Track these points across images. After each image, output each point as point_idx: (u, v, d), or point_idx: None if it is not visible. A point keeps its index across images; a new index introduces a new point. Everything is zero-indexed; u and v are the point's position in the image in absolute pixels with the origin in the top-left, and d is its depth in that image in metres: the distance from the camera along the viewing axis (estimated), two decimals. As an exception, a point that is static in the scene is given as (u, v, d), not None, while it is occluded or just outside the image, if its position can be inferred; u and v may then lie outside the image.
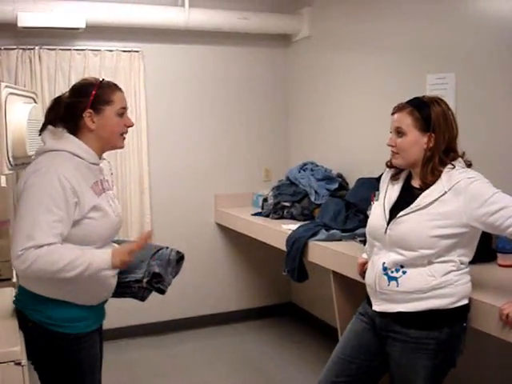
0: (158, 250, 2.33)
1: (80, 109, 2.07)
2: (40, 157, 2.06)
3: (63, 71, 4.16)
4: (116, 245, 2.24)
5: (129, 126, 2.17)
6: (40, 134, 2.14)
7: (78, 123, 2.08)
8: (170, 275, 2.30)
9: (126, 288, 2.23)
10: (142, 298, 2.28)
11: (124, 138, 2.19)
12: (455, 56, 3.18)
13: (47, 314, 2.02)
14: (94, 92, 2.08)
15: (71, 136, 2.08)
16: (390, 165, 2.33)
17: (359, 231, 3.24)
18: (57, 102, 2.13)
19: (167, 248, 2.36)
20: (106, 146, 2.16)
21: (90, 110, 2.07)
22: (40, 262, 1.88)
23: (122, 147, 2.22)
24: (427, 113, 2.15)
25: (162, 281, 2.26)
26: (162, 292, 2.29)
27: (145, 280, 2.22)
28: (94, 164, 2.12)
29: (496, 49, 2.94)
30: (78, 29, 4.01)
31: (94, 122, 2.08)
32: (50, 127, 2.11)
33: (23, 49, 4.05)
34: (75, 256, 1.93)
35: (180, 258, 2.39)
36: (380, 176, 2.47)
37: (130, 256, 2.03)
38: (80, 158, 2.06)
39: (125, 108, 2.15)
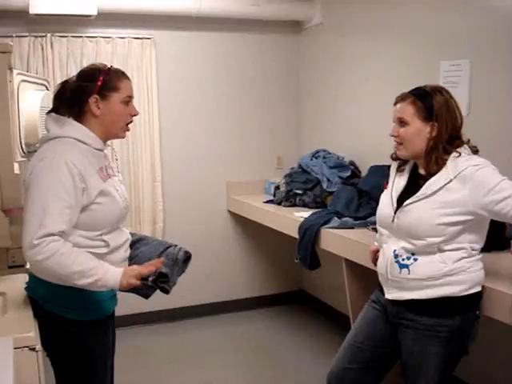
0: (166, 248, 2.30)
1: (86, 93, 2.05)
2: (44, 145, 2.05)
3: (75, 58, 4.16)
4: (126, 230, 2.25)
5: (133, 115, 2.15)
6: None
7: (83, 108, 2.07)
8: (175, 275, 2.27)
9: None
10: (146, 296, 2.25)
11: (128, 130, 2.18)
12: (470, 42, 3.13)
13: (58, 301, 2.03)
14: (101, 78, 2.06)
15: (75, 122, 2.07)
16: (394, 157, 2.33)
17: (372, 219, 3.23)
18: (63, 86, 2.12)
19: (175, 246, 2.33)
20: (108, 134, 2.14)
21: (96, 96, 2.05)
22: (54, 261, 1.87)
23: (123, 137, 2.21)
24: (429, 102, 2.13)
25: (167, 281, 2.22)
26: (167, 292, 2.25)
27: (150, 279, 2.18)
28: (98, 150, 2.11)
29: None
30: (89, 16, 3.99)
31: (99, 108, 2.06)
32: (52, 114, 2.09)
33: (35, 36, 4.06)
34: (89, 266, 1.92)
35: (187, 257, 2.34)
36: (392, 164, 2.46)
37: (138, 280, 2.01)
38: (85, 143, 2.05)
39: (131, 97, 2.13)
